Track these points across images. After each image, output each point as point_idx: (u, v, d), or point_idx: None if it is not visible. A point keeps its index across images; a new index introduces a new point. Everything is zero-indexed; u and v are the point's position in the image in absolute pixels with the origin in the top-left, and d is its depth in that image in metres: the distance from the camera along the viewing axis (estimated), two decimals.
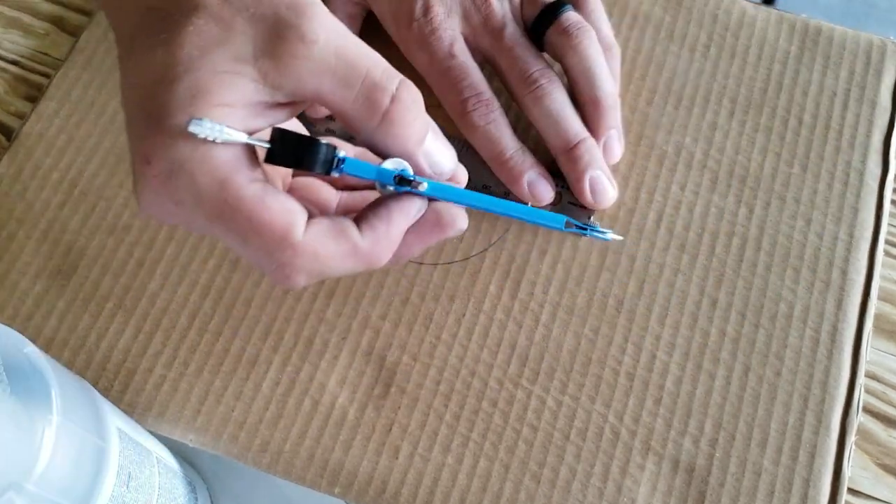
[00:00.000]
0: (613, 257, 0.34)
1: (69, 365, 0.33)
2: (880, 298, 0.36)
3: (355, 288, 0.34)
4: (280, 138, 0.24)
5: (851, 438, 0.31)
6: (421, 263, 0.34)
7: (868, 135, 0.36)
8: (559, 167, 0.35)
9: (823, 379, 0.32)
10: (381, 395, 0.32)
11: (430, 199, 0.27)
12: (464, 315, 0.34)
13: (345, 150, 0.27)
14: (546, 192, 0.34)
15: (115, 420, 0.26)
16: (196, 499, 0.32)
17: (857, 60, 0.38)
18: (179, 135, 0.22)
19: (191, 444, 0.32)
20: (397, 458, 0.31)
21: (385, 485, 0.31)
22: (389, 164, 0.25)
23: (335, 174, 0.25)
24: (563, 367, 0.33)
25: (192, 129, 0.22)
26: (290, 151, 0.24)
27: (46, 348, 0.33)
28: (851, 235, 0.34)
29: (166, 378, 0.33)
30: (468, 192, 0.27)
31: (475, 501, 0.31)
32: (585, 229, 0.30)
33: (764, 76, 0.38)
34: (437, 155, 0.26)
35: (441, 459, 0.31)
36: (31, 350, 0.23)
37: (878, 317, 0.36)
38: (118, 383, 0.33)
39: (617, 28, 0.38)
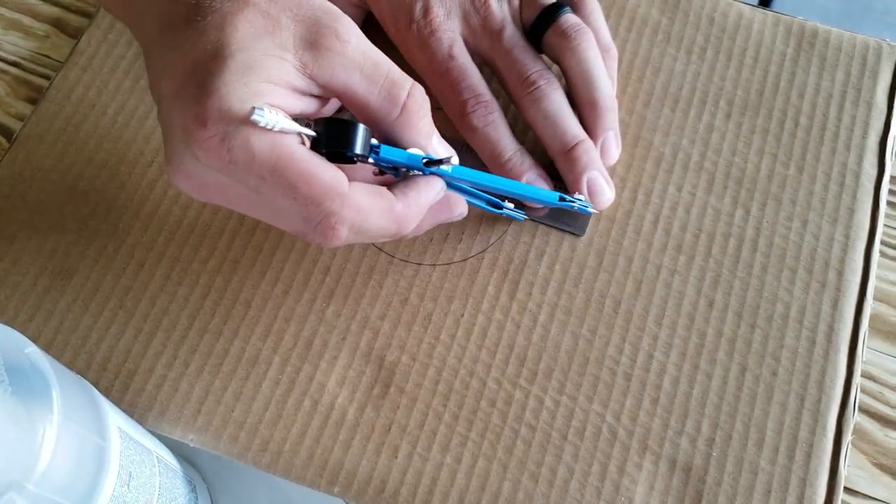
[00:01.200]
0: (611, 258, 0.35)
1: (70, 365, 0.33)
2: (876, 299, 0.36)
3: (354, 288, 0.34)
4: (324, 124, 0.27)
5: (848, 438, 0.31)
6: (419, 264, 0.35)
7: (864, 136, 0.37)
8: (557, 168, 0.35)
9: (820, 379, 0.32)
10: (380, 394, 0.33)
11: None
12: (462, 315, 0.34)
13: None
14: None
15: (116, 420, 0.26)
16: (196, 498, 0.32)
17: (852, 62, 0.38)
18: (234, 101, 0.25)
19: (191, 444, 0.32)
20: (396, 457, 0.31)
21: (384, 484, 0.31)
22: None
23: (371, 159, 0.28)
24: (561, 367, 0.33)
25: (255, 117, 0.24)
26: (335, 136, 0.27)
27: (47, 348, 0.34)
28: (847, 236, 0.35)
29: (167, 378, 0.33)
30: (477, 172, 0.31)
31: (474, 500, 0.31)
32: (574, 203, 0.33)
33: (760, 78, 0.38)
34: (443, 152, 0.30)
35: (440, 459, 0.31)
36: (32, 350, 0.23)
37: (873, 317, 0.36)
38: (119, 383, 0.33)
39: (614, 30, 0.39)
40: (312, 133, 0.27)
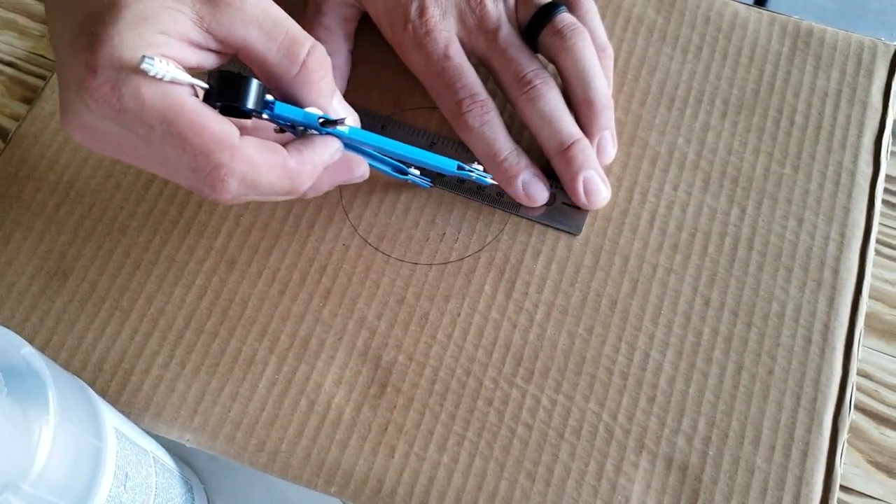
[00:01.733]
0: (607, 257, 0.35)
1: (66, 366, 0.33)
2: (872, 297, 0.36)
3: (351, 288, 0.34)
4: (218, 77, 0.27)
5: (844, 436, 0.32)
6: (416, 264, 0.35)
7: (859, 135, 0.37)
8: (553, 168, 0.35)
9: (816, 377, 0.32)
10: (376, 394, 0.33)
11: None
12: (459, 315, 0.34)
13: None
14: (541, 193, 0.35)
15: (112, 420, 0.26)
16: (193, 499, 0.32)
17: (848, 61, 0.38)
18: (127, 50, 0.25)
19: (187, 444, 0.32)
20: (393, 457, 0.31)
21: (381, 484, 0.31)
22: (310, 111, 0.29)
23: (266, 115, 0.28)
24: (558, 366, 0.33)
25: (144, 66, 0.24)
26: (227, 89, 0.27)
27: (43, 349, 0.34)
28: (843, 235, 0.35)
29: (163, 378, 0.33)
30: (375, 135, 0.31)
31: (471, 500, 0.31)
32: (472, 173, 0.33)
33: (756, 77, 0.38)
34: (343, 112, 0.30)
35: (437, 458, 0.31)
36: (28, 351, 0.23)
37: (869, 315, 0.36)
38: (115, 384, 0.33)
39: (610, 30, 0.39)
40: (205, 85, 0.27)
